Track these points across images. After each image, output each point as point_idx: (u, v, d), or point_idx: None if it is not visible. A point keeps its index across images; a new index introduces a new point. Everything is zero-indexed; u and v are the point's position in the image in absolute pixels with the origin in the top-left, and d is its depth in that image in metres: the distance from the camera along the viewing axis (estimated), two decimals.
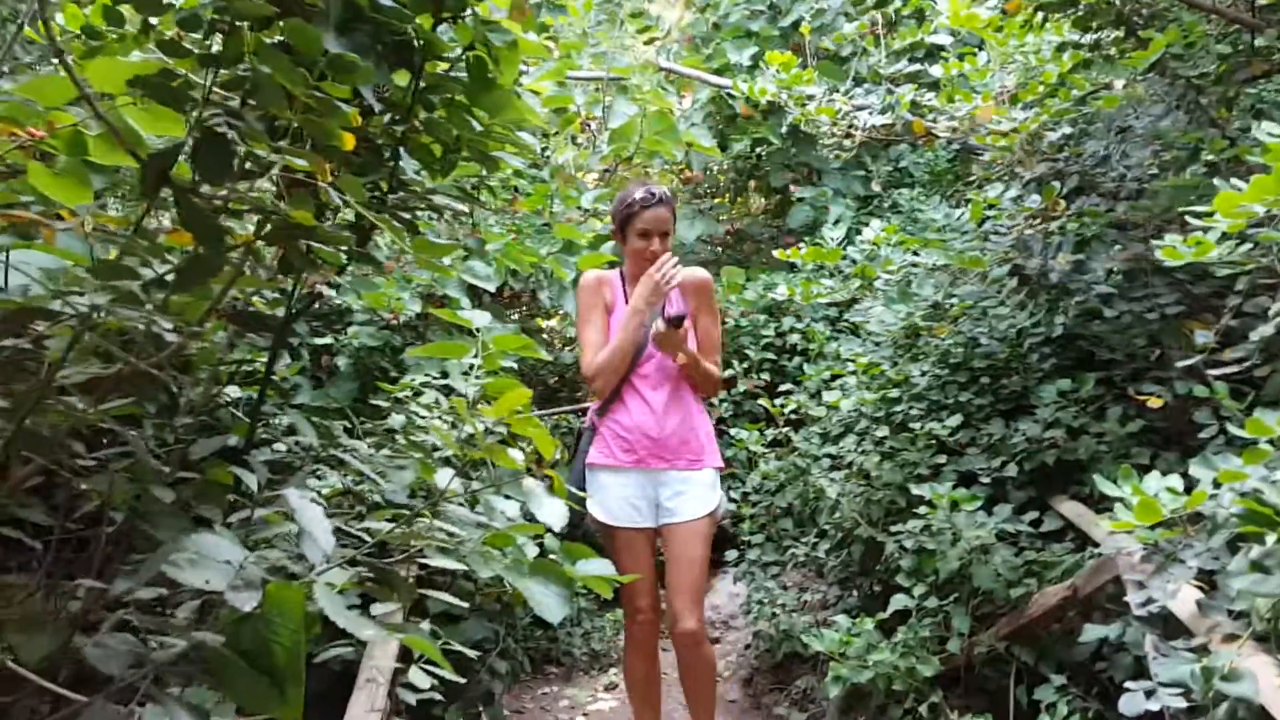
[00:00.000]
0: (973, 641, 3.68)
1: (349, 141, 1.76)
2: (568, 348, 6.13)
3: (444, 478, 1.93)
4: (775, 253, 4.91)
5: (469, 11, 2.79)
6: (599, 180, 6.41)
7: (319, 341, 4.86)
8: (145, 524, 2.34)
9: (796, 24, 7.13)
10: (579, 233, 5.31)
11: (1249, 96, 3.82)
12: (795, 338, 6.39)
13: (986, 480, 4.12)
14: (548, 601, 2.71)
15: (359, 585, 1.75)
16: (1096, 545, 3.49)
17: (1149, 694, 2.58)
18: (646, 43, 7.06)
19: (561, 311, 5.60)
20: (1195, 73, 3.70)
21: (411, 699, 2.42)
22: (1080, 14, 4.03)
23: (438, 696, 2.50)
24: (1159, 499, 2.53)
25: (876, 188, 6.99)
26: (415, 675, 2.34)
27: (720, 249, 7.88)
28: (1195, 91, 3.75)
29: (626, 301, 3.61)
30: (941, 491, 3.77)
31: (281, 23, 1.76)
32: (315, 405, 4.54)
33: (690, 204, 7.82)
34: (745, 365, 6.51)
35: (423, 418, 3.81)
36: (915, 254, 4.68)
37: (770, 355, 6.52)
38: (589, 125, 6.79)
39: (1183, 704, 2.31)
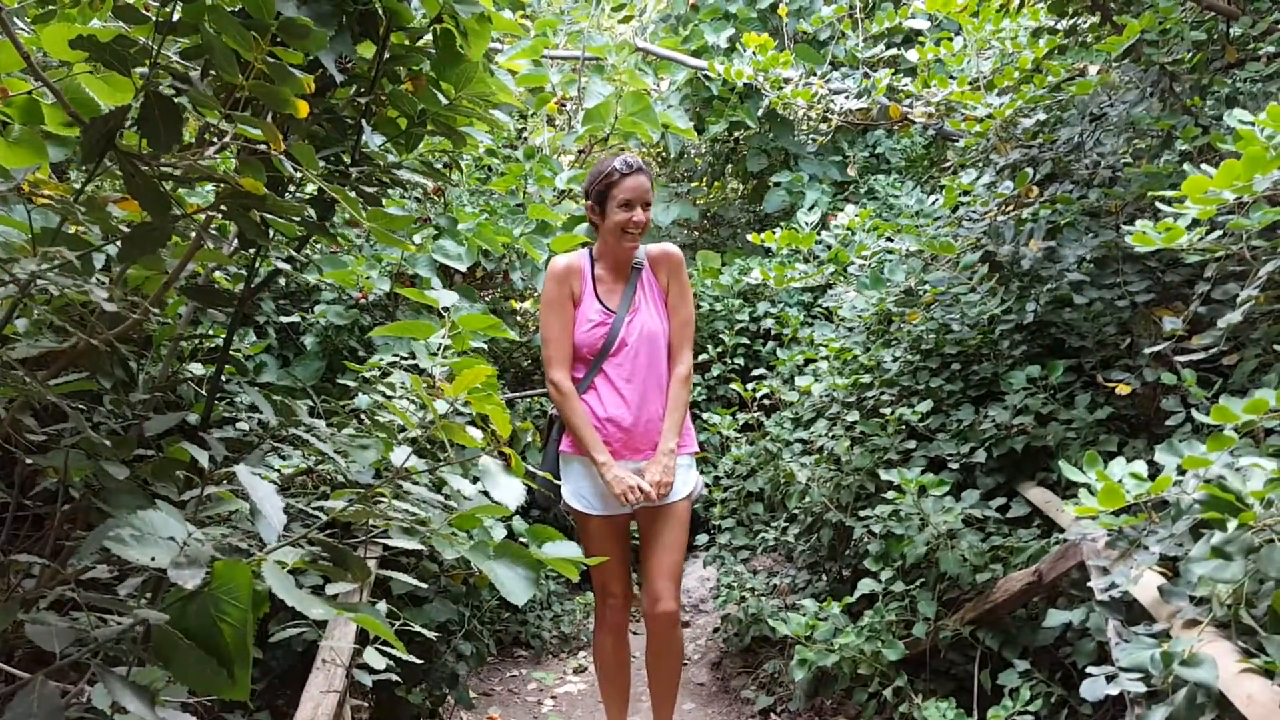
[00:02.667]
0: (938, 626, 3.69)
1: (303, 109, 1.72)
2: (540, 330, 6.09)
3: (400, 456, 1.89)
4: (750, 237, 4.87)
5: None
6: (574, 161, 6.36)
7: (286, 320, 4.80)
8: (100, 501, 2.30)
9: (774, 6, 7.08)
10: (553, 213, 5.26)
11: (1223, 84, 3.82)
12: (769, 322, 6.37)
13: (955, 466, 4.13)
14: (513, 584, 2.68)
15: (312, 564, 1.71)
16: (1062, 531, 3.50)
17: (1110, 679, 2.59)
18: (623, 21, 7.00)
19: (536, 293, 5.55)
20: (1170, 59, 3.70)
21: (367, 680, 2.38)
22: (1058, 1, 4.01)
23: (395, 678, 2.47)
24: (1123, 485, 2.53)
25: (853, 173, 6.97)
26: (370, 656, 2.31)
27: (696, 233, 7.85)
28: (1169, 78, 3.75)
29: (595, 290, 3.52)
30: (910, 477, 3.76)
31: None
32: (281, 384, 4.48)
33: (667, 187, 7.77)
34: (719, 349, 6.49)
35: (388, 397, 3.76)
36: (889, 239, 4.67)
37: (744, 340, 6.50)
38: (565, 105, 6.72)
39: (1142, 688, 2.31)
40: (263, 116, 1.77)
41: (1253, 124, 2.70)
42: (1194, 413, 3.20)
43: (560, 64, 6.29)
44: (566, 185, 5.58)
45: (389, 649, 2.35)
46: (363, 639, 2.50)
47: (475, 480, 1.91)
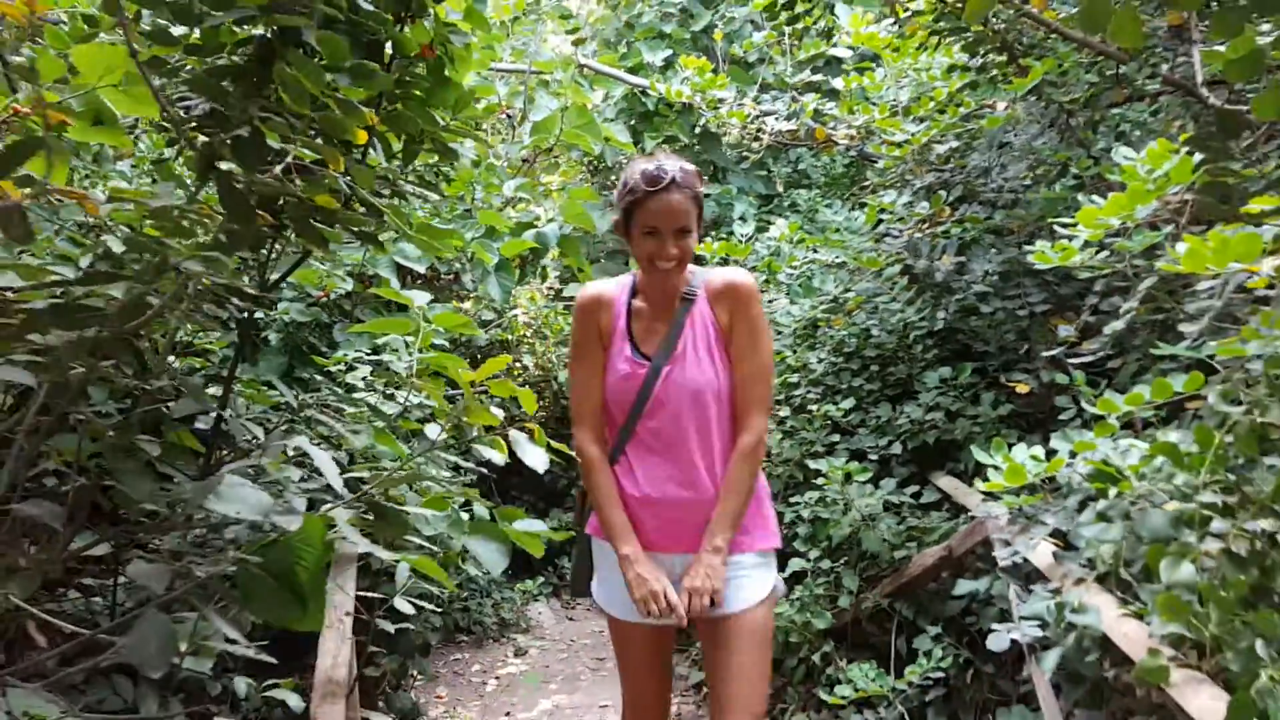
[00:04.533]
0: (860, 599, 4.12)
1: (361, 136, 2.03)
2: (484, 329, 6.39)
3: (433, 432, 2.21)
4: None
5: (429, 14, 3.07)
6: (518, 170, 6.66)
7: (247, 315, 5.01)
8: (115, 481, 2.56)
9: (708, 29, 7.51)
10: (501, 219, 5.57)
11: (1112, 119, 4.35)
12: None
13: (875, 457, 4.58)
14: (489, 556, 3.03)
15: (362, 520, 2.02)
16: (969, 513, 3.97)
17: (1011, 631, 3.04)
18: (576, 43, 7.34)
19: (483, 295, 5.84)
20: (1067, 98, 4.20)
21: (389, 626, 2.68)
22: (969, 40, 4.50)
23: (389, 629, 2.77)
24: (1025, 466, 2.97)
25: (779, 188, 7.43)
26: (400, 603, 2.61)
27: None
28: (1066, 114, 4.26)
29: (630, 329, 2.50)
30: (837, 465, 4.19)
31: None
32: (246, 378, 4.70)
33: (602, 194, 8.14)
34: None
35: (380, 390, 4.04)
36: (815, 251, 5.11)
37: None
38: (506, 116, 7.02)
39: (1040, 633, 2.75)
40: (312, 139, 2.07)
41: (1135, 161, 3.18)
42: (1084, 408, 3.70)
43: (505, 77, 6.60)
44: (514, 193, 5.89)
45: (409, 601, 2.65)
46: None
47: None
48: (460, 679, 5.67)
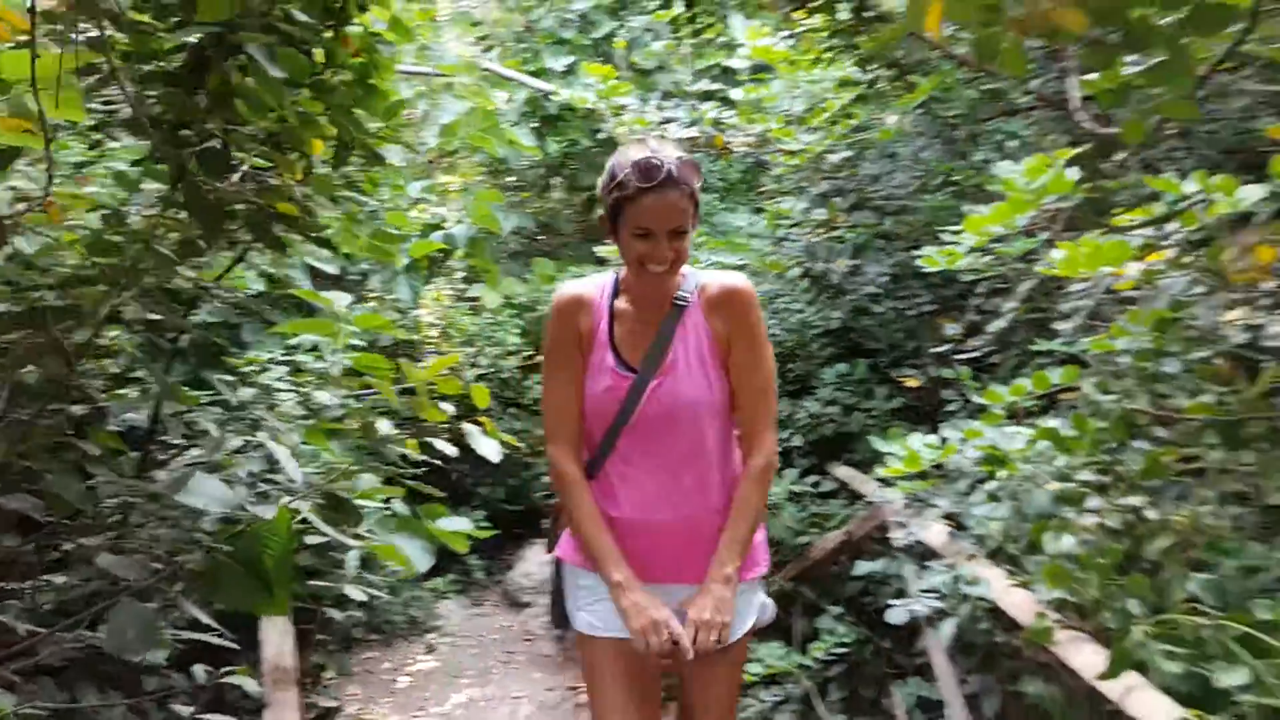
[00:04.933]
0: (768, 583, 4.35)
1: (318, 147, 2.13)
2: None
3: (385, 427, 2.32)
4: (597, 250, 5.44)
5: (357, 24, 3.16)
6: (421, 172, 6.73)
7: (151, 317, 4.95)
8: (43, 481, 2.59)
9: (609, 37, 7.70)
10: (408, 220, 5.63)
11: (990, 133, 4.70)
12: None
13: (779, 450, 4.83)
14: (414, 554, 3.14)
15: (320, 511, 2.13)
16: (865, 499, 4.25)
17: (909, 605, 3.30)
18: (486, 50, 7.42)
19: (390, 297, 5.88)
20: (951, 113, 4.53)
21: (338, 614, 2.76)
22: (861, 57, 4.79)
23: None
24: (921, 453, 3.24)
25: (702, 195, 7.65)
26: (351, 590, 2.70)
27: (530, 241, 8.36)
28: (950, 128, 4.58)
29: (612, 335, 2.17)
30: None
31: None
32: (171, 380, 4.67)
33: (506, 194, 8.25)
34: None
35: (298, 390, 4.08)
36: (713, 253, 5.34)
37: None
38: (409, 117, 7.06)
39: (938, 604, 3.02)
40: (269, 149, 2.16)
41: (1015, 173, 3.49)
42: (970, 400, 4.02)
43: (409, 79, 6.64)
44: (420, 194, 5.96)
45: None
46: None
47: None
48: (372, 676, 5.70)
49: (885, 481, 4.04)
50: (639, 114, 6.20)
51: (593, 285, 2.21)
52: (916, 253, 3.95)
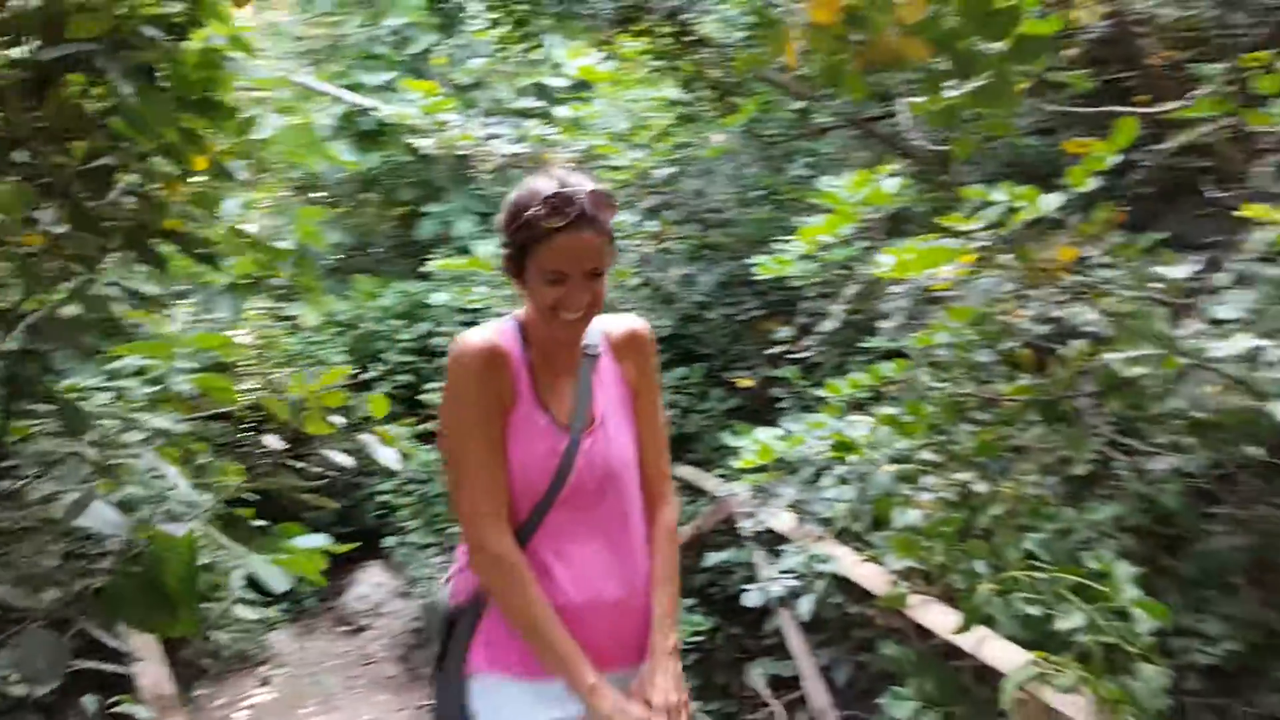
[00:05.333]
0: None
1: (202, 164, 2.12)
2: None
3: (273, 441, 2.31)
4: (436, 265, 5.47)
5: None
6: (236, 188, 6.50)
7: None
8: None
9: (426, 53, 7.69)
10: (231, 237, 5.46)
11: (805, 150, 5.06)
12: (441, 340, 6.89)
13: None
14: (270, 574, 3.11)
15: (217, 528, 2.11)
16: (709, 495, 4.48)
17: (762, 590, 3.54)
18: (314, 63, 7.23)
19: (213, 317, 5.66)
20: (770, 132, 4.86)
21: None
22: (683, 78, 5.06)
23: None
24: (772, 445, 3.48)
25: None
26: (243, 611, 2.64)
27: (346, 257, 8.21)
28: (769, 145, 4.91)
29: (536, 390, 1.88)
30: None
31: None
32: None
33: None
34: (386, 368, 6.94)
35: (124, 417, 3.89)
36: None
37: (409, 358, 7.00)
38: None
39: (793, 584, 3.25)
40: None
41: (839, 187, 3.80)
42: (801, 395, 4.32)
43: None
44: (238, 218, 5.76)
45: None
46: None
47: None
48: (204, 714, 5.46)
49: (729, 476, 4.29)
50: (463, 130, 6.25)
51: (498, 335, 1.85)
52: (746, 262, 4.23)
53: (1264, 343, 2.34)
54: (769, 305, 4.93)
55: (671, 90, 5.55)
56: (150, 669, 2.56)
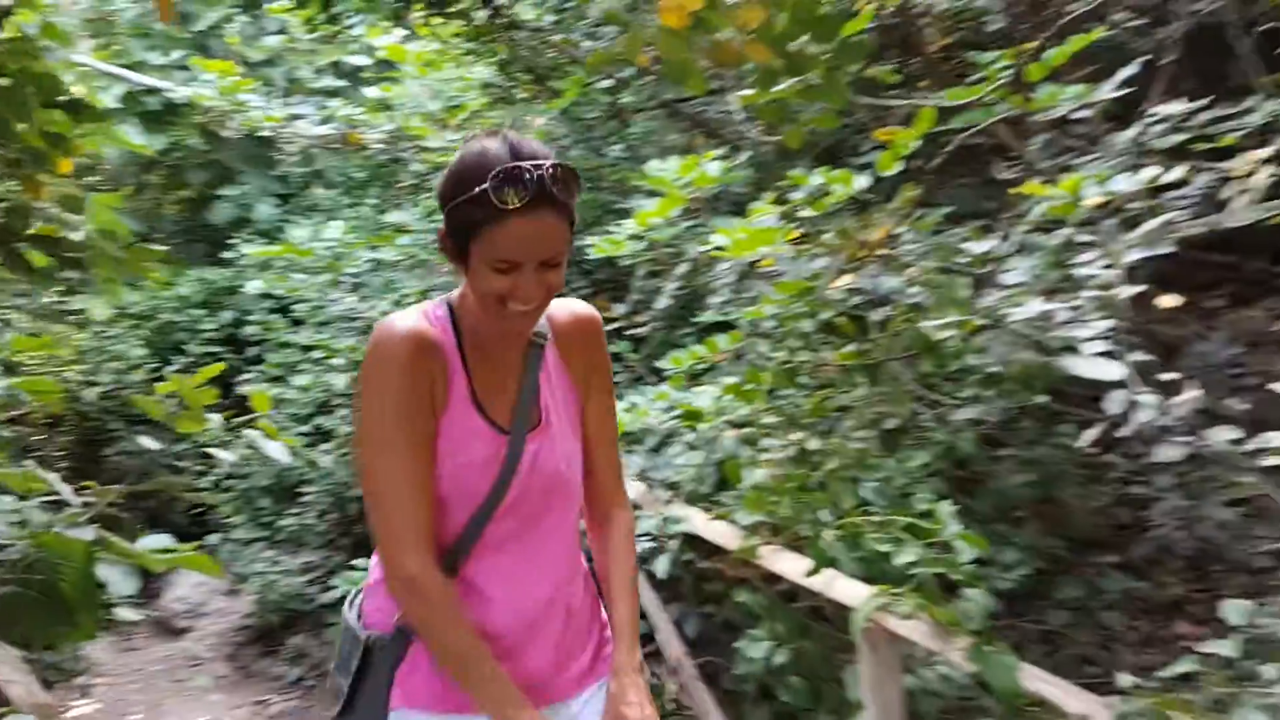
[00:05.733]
0: None
1: (66, 166, 2.07)
2: None
3: (149, 441, 2.29)
4: (251, 251, 5.31)
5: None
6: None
7: None
8: None
9: (214, 29, 7.33)
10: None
11: (622, 134, 5.26)
12: (252, 329, 6.67)
13: None
14: (115, 576, 3.07)
15: (106, 531, 2.10)
16: None
17: None
18: (98, 47, 6.70)
19: None
20: (591, 116, 5.02)
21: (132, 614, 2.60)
22: (501, 61, 5.14)
23: None
24: (620, 419, 3.68)
25: (322, 192, 7.53)
26: (125, 613, 2.58)
27: (130, 245, 7.76)
28: (588, 129, 5.08)
29: (471, 387, 1.60)
30: None
31: None
32: None
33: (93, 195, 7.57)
34: (190, 360, 6.66)
35: None
36: (375, 250, 5.45)
37: (216, 349, 6.74)
38: None
39: (649, 544, 3.47)
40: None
41: (666, 171, 4.02)
42: (633, 370, 4.55)
43: None
44: None
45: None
46: None
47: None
48: None
49: None
50: (265, 110, 6.07)
51: (426, 321, 1.57)
52: (579, 243, 4.39)
53: (1052, 305, 2.73)
54: (597, 284, 5.12)
55: (485, 72, 5.62)
56: (17, 678, 2.48)
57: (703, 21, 2.53)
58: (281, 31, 6.40)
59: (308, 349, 5.83)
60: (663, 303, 4.16)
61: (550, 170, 1.44)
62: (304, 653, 5.33)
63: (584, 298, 5.14)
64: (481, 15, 5.16)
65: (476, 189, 1.42)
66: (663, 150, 4.96)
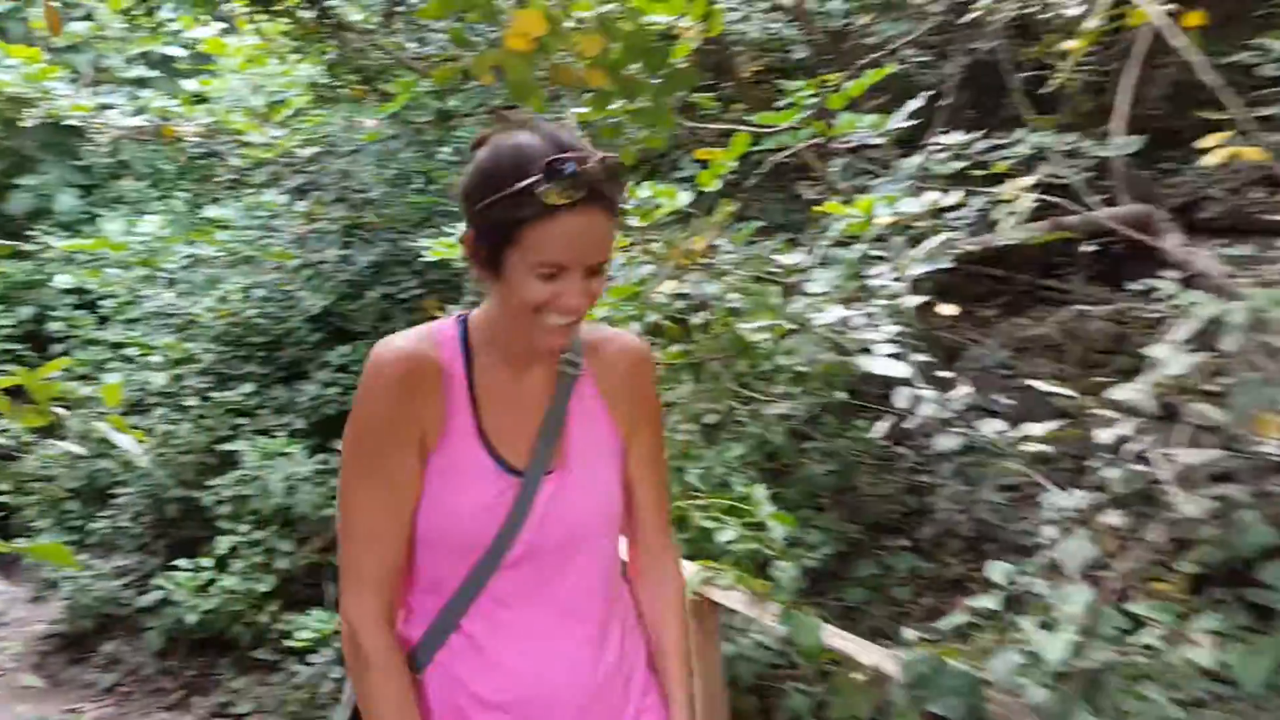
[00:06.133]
0: (297, 558, 4.64)
1: None
2: None
3: None
4: (62, 245, 5.10)
5: None
6: None
7: None
8: None
9: (14, 11, 6.90)
10: None
11: (452, 139, 5.39)
12: (58, 326, 6.33)
13: (283, 435, 5.08)
14: None
15: None
16: None
17: None
18: None
19: None
20: (421, 120, 5.12)
21: None
22: (329, 61, 5.17)
23: None
24: None
25: (130, 184, 7.20)
26: None
27: None
28: (419, 132, 5.18)
29: (477, 419, 1.39)
30: (264, 445, 4.63)
31: None
32: None
33: None
34: None
35: None
36: (192, 245, 5.36)
37: (13, 346, 6.39)
38: None
39: None
40: None
41: None
42: None
43: None
44: None
45: None
46: None
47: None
48: None
49: None
50: (73, 99, 5.83)
51: (431, 340, 1.40)
52: (404, 243, 4.51)
53: (850, 312, 3.08)
54: (428, 285, 5.22)
55: (310, 70, 5.62)
56: None
57: (545, 45, 2.74)
58: (89, 17, 6.12)
59: (117, 346, 5.64)
60: None
61: (601, 162, 1.27)
62: (118, 659, 5.17)
63: (415, 299, 5.27)
64: (307, 14, 5.17)
65: (518, 184, 1.25)
66: None
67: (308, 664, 4.27)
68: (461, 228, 1.32)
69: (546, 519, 1.39)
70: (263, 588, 4.51)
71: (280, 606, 4.58)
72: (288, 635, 4.41)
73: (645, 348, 1.55)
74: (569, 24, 2.77)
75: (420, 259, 4.61)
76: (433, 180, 5.15)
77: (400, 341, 1.37)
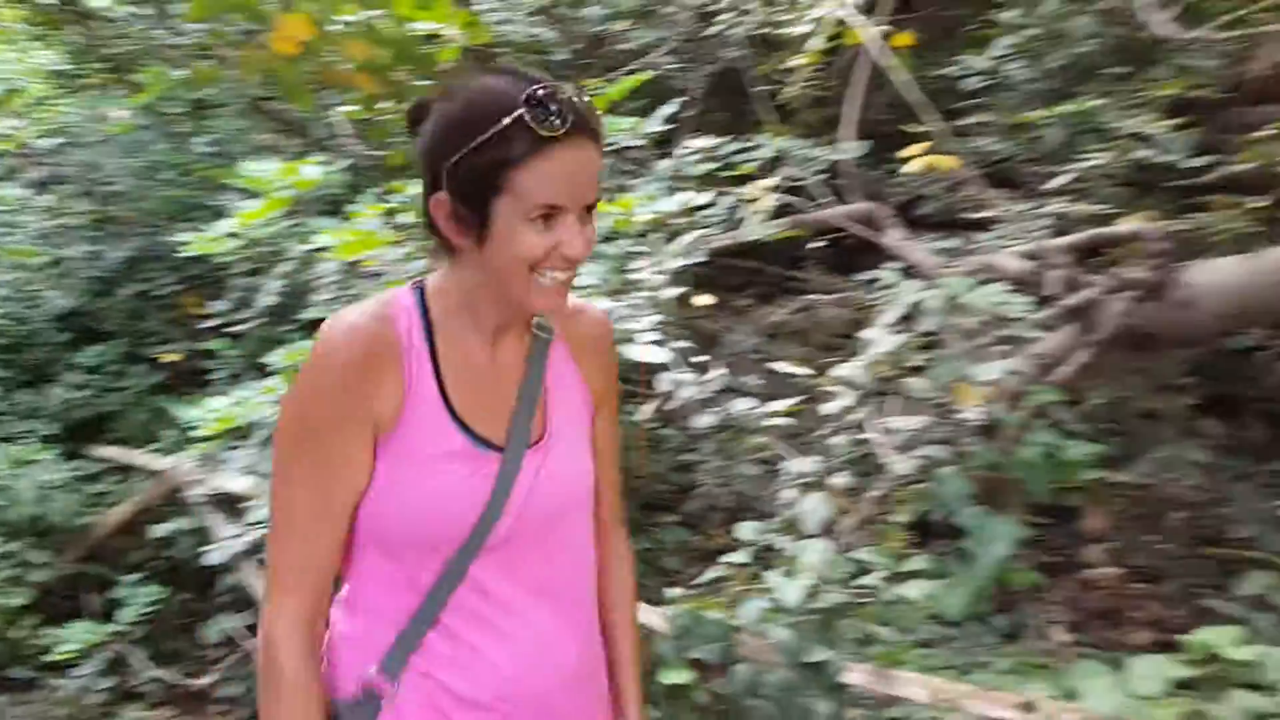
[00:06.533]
0: (55, 569, 4.41)
1: None
2: None
3: None
4: None
5: None
6: None
7: None
8: None
9: None
10: None
11: (209, 130, 5.23)
12: None
13: (32, 441, 4.79)
14: None
15: None
16: (143, 470, 4.58)
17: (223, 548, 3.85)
18: None
19: None
20: (174, 111, 4.96)
21: None
22: (74, 49, 4.92)
23: None
24: (232, 413, 3.79)
25: None
26: None
27: None
28: (172, 123, 5.01)
29: (444, 394, 1.27)
30: (7, 453, 4.37)
31: None
32: None
33: None
34: None
35: None
36: None
37: None
38: None
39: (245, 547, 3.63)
40: None
41: (265, 172, 4.14)
42: (231, 366, 4.62)
43: None
44: None
45: None
46: None
47: None
48: None
49: (167, 449, 4.48)
50: None
51: (384, 313, 1.26)
52: (159, 238, 4.39)
53: (616, 304, 3.32)
54: (188, 280, 5.06)
55: (49, 57, 5.31)
56: None
57: (312, 48, 2.80)
58: None
59: None
60: (266, 300, 4.28)
61: (577, 94, 1.19)
62: None
63: (175, 294, 5.09)
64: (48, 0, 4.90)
65: (503, 121, 1.14)
66: (254, 150, 5.01)
67: (71, 678, 4.10)
68: (416, 193, 1.21)
69: (533, 495, 1.30)
70: (18, 601, 4.27)
71: (39, 621, 4.34)
72: (46, 651, 4.20)
73: (609, 319, 1.49)
74: (335, 28, 2.84)
75: (177, 254, 4.47)
76: (188, 173, 4.99)
77: (353, 316, 1.25)
